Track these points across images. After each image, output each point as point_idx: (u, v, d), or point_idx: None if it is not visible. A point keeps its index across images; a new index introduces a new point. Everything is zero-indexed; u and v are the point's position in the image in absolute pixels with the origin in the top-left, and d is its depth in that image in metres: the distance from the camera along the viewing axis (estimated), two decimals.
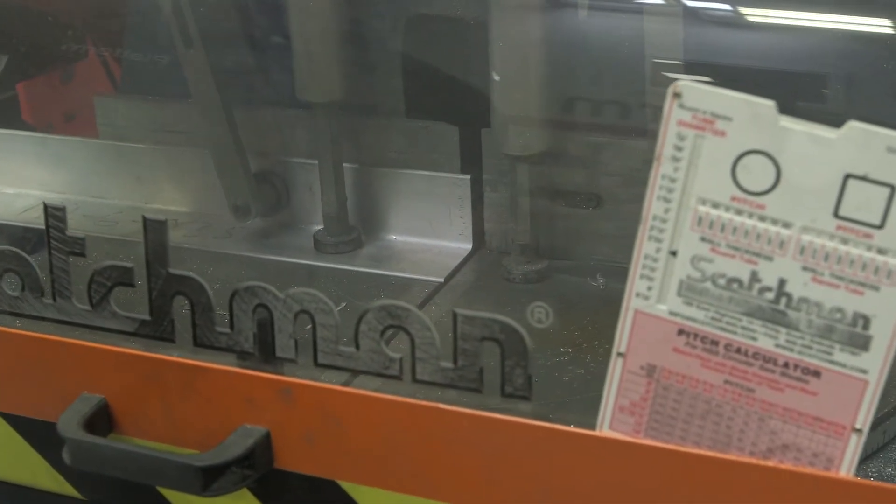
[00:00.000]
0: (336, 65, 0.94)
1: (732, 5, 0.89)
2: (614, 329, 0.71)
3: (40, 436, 0.80)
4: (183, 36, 0.97)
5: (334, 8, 0.92)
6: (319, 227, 1.02)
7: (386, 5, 0.97)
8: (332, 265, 0.99)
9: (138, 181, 1.02)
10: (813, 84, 0.88)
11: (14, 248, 0.79)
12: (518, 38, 0.86)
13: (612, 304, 0.80)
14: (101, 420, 0.75)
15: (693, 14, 0.85)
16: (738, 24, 0.91)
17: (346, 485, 0.72)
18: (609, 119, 0.91)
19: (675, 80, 0.61)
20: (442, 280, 0.95)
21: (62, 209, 0.77)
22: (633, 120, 0.88)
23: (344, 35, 0.93)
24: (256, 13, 1.00)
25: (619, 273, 0.90)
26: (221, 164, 1.01)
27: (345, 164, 0.99)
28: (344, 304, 0.86)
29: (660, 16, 0.84)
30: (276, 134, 1.03)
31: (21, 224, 1.05)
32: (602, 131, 0.91)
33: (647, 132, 0.86)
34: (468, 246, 0.97)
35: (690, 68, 0.83)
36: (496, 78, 0.82)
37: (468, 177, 0.96)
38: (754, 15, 0.90)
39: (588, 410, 0.69)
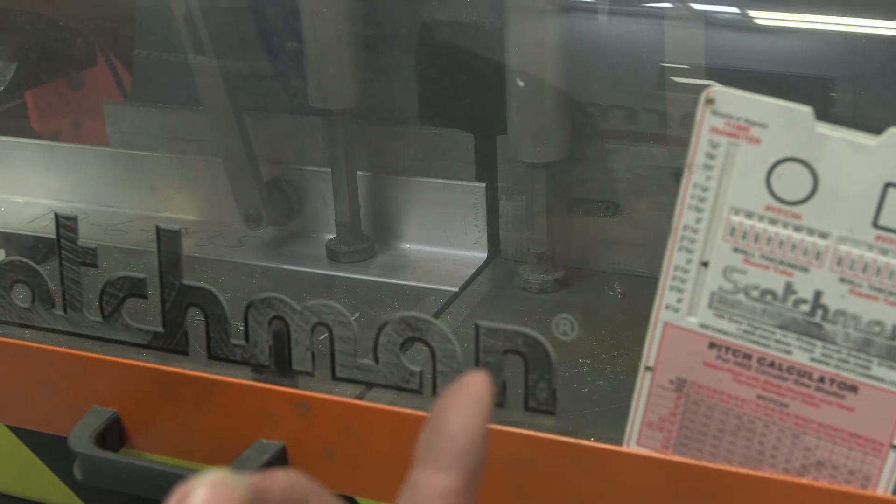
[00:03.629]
0: (349, 71, 0.94)
1: (741, 9, 0.88)
2: (633, 340, 0.69)
3: (50, 450, 0.80)
4: (194, 42, 0.97)
5: (348, 13, 0.92)
6: (332, 235, 1.01)
7: (400, 11, 0.97)
8: (345, 274, 0.98)
9: (148, 190, 1.00)
10: (820, 87, 0.88)
11: (24, 259, 0.79)
12: (535, 44, 0.85)
13: (630, 315, 0.78)
14: (113, 434, 0.74)
15: (710, 19, 0.85)
16: (747, 27, 0.90)
17: (365, 501, 0.71)
18: (628, 125, 0.89)
19: (695, 84, 0.59)
20: (457, 290, 0.94)
21: (73, 218, 0.77)
22: (653, 126, 0.87)
23: (358, 41, 0.93)
24: (269, 19, 0.99)
25: (638, 282, 0.88)
26: (233, 173, 1.00)
27: (358, 172, 0.99)
28: (357, 314, 0.86)
29: (680, 21, 0.83)
30: (288, 142, 1.03)
31: (30, 233, 1.03)
32: (621, 138, 0.90)
33: (668, 139, 0.85)
34: (483, 255, 0.96)
35: (705, 73, 0.83)
36: (520, 83, 0.80)
37: (483, 185, 0.95)
38: (762, 18, 0.89)
39: (609, 423, 0.68)
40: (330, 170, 0.98)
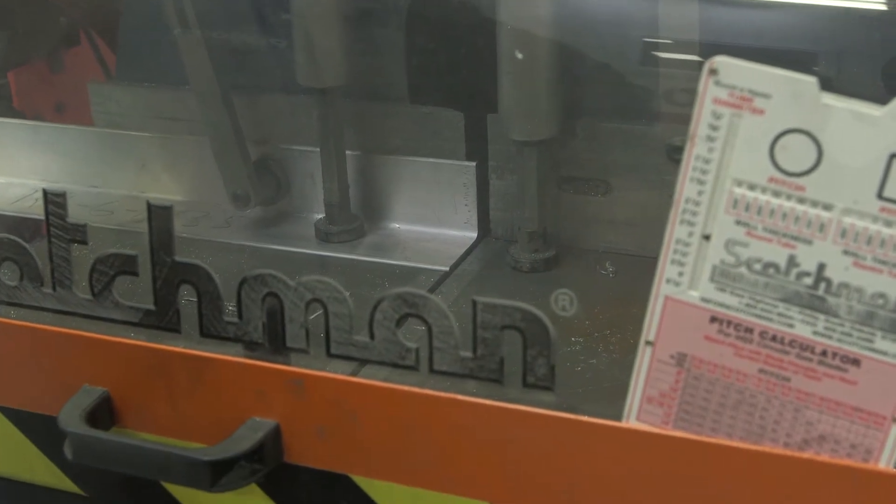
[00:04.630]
0: (339, 49, 0.93)
1: None
2: (625, 318, 0.69)
3: (40, 430, 0.80)
4: (179, 16, 0.96)
5: None
6: (321, 215, 1.01)
7: None
8: (334, 254, 0.98)
9: (135, 170, 1.00)
10: (804, 62, 0.88)
11: (11, 236, 0.78)
12: (527, 21, 0.85)
13: (622, 294, 0.78)
14: (104, 413, 0.74)
15: None
16: (733, 2, 0.90)
17: (359, 479, 0.71)
18: (619, 104, 0.89)
19: (689, 60, 0.59)
20: (447, 269, 0.94)
21: (62, 195, 0.76)
22: (645, 105, 0.87)
23: (347, 18, 0.92)
24: None
25: (629, 261, 0.88)
26: (220, 152, 1.00)
27: (347, 152, 0.99)
28: (348, 294, 0.86)
29: None
30: (276, 121, 1.02)
31: (15, 214, 1.03)
32: (612, 117, 0.90)
33: (660, 116, 0.85)
34: (473, 234, 0.96)
35: (692, 49, 0.84)
36: (518, 56, 0.80)
37: (473, 164, 0.95)
38: None
39: (604, 400, 0.68)
40: (319, 149, 0.98)
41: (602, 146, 0.91)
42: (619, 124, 0.89)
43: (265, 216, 1.02)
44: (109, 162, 1.05)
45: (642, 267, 0.65)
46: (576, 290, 0.86)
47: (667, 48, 0.82)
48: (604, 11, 0.88)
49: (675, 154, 0.64)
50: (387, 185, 0.99)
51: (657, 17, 0.84)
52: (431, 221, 0.98)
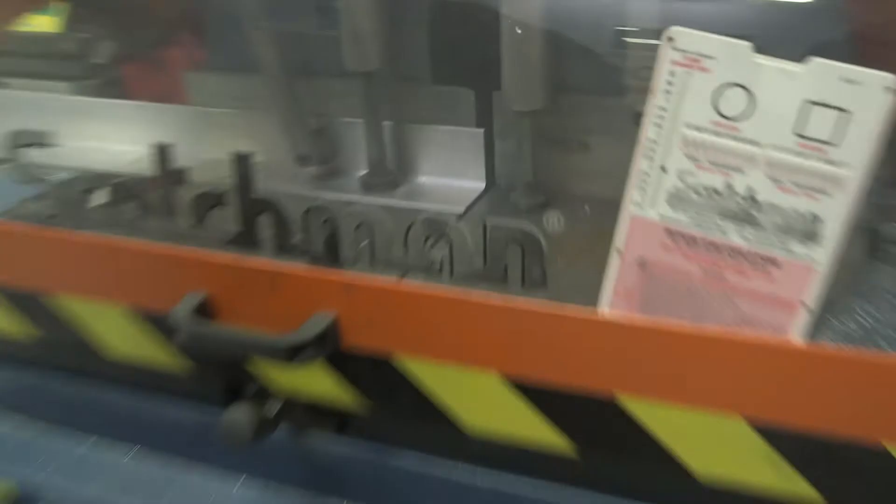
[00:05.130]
0: (376, 39, 0.92)
1: None
2: (598, 244, 0.69)
3: (159, 324, 0.79)
4: (253, 16, 0.96)
5: None
6: (364, 171, 1.00)
7: None
8: (375, 200, 0.97)
9: (220, 139, 0.99)
10: None
11: (132, 179, 0.80)
12: (524, 14, 0.84)
13: (595, 224, 0.78)
14: (204, 311, 0.74)
15: None
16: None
17: (397, 357, 0.71)
18: (595, 80, 0.89)
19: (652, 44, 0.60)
20: (462, 210, 0.94)
21: (167, 148, 0.77)
22: (616, 80, 0.86)
23: (383, 13, 0.91)
24: None
25: (602, 204, 0.88)
26: (286, 123, 1.00)
27: (384, 122, 0.98)
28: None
29: None
30: (329, 97, 1.01)
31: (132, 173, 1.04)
32: (590, 90, 0.90)
33: (627, 90, 0.85)
34: (482, 185, 0.96)
35: (653, 35, 0.83)
36: (518, 31, 0.80)
37: (482, 130, 0.94)
38: None
39: (583, 296, 0.68)
40: (362, 120, 0.97)
41: (582, 114, 0.90)
42: (595, 97, 0.89)
43: (322, 172, 1.02)
44: (201, 133, 1.05)
45: (612, 207, 0.66)
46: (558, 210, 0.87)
47: (632, 35, 0.82)
48: (584, 6, 0.87)
49: (639, 119, 0.64)
50: (414, 148, 0.99)
51: (625, 11, 0.84)
52: (449, 175, 0.97)
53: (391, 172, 0.99)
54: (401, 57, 0.95)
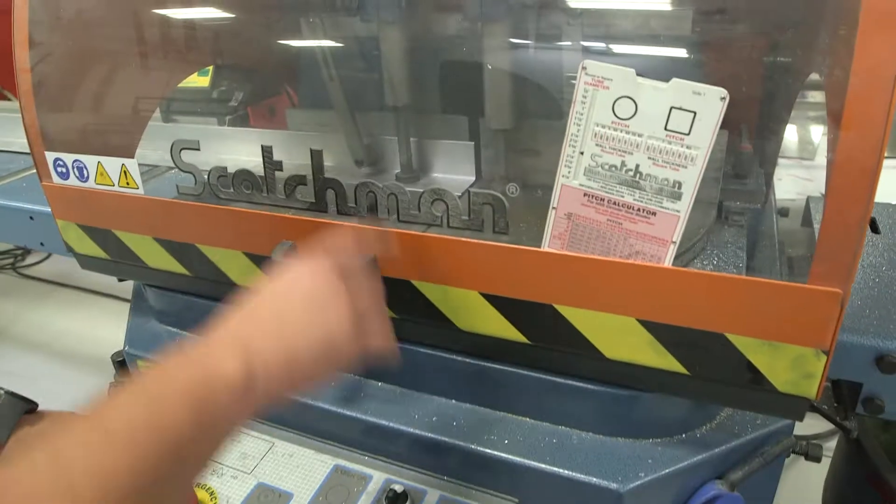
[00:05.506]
0: (405, 84, 0.91)
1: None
2: (541, 210, 0.68)
3: (263, 261, 0.79)
4: (328, 74, 0.95)
5: (404, 50, 0.89)
6: (398, 170, 0.98)
7: (431, 51, 0.93)
8: (404, 188, 0.98)
9: (307, 151, 0.99)
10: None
11: (248, 169, 0.80)
12: (499, 66, 0.82)
13: (543, 200, 0.76)
14: (293, 252, 0.72)
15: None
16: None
17: (415, 282, 0.71)
18: (545, 109, 0.88)
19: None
20: (460, 194, 0.93)
21: (270, 147, 0.78)
22: (559, 109, 0.85)
23: (409, 67, 0.90)
24: (364, 57, 0.97)
25: (546, 187, 0.87)
26: (349, 139, 0.99)
27: (411, 139, 0.96)
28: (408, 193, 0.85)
29: (570, 51, 0.82)
30: (375, 123, 0.99)
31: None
32: (541, 116, 0.88)
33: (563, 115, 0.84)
34: (473, 178, 0.93)
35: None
36: (489, 67, 0.79)
37: (472, 143, 0.92)
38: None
39: (531, 239, 0.68)
40: (396, 137, 0.96)
41: (537, 132, 0.88)
42: (546, 120, 0.87)
43: (370, 172, 1.00)
44: (297, 149, 1.05)
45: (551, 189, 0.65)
46: (524, 202, 0.85)
47: (570, 79, 0.81)
48: (543, 60, 0.85)
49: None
50: (431, 155, 0.97)
51: (568, 61, 0.83)
52: (452, 172, 0.95)
53: (415, 171, 0.98)
54: (421, 96, 0.93)
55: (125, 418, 0.37)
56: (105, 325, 2.18)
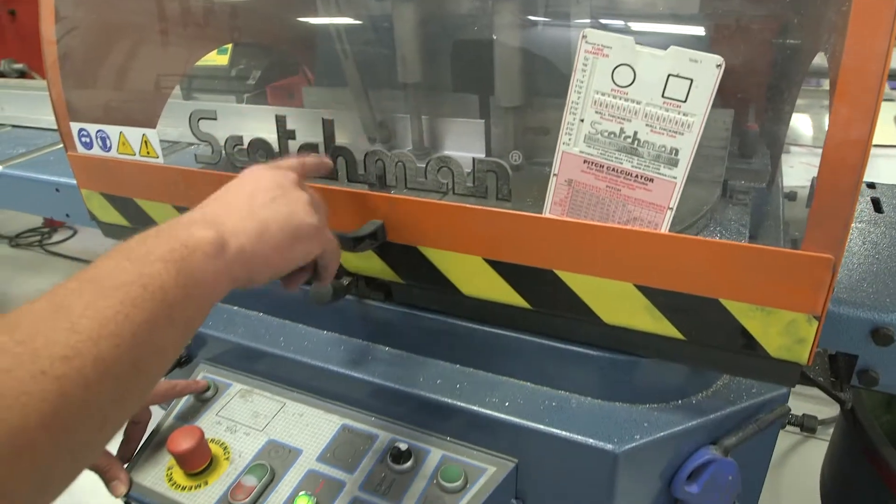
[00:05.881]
0: (417, 61, 0.92)
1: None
2: (544, 181, 0.69)
3: None
4: (343, 51, 0.96)
5: (417, 28, 0.89)
6: (409, 148, 1.00)
7: (444, 32, 0.94)
8: (416, 163, 0.99)
9: (321, 127, 1.00)
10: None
11: (264, 138, 0.82)
12: (509, 45, 0.83)
13: (542, 172, 0.75)
14: None
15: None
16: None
17: (421, 248, 0.72)
18: (554, 87, 0.88)
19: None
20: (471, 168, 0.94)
21: (283, 117, 0.79)
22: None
23: (421, 41, 0.91)
24: (380, 36, 0.97)
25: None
26: (362, 117, 1.00)
27: (422, 116, 0.97)
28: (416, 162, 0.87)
29: (580, 28, 0.82)
30: (388, 100, 1.00)
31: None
32: (550, 93, 0.88)
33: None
34: (483, 155, 0.94)
35: None
36: (500, 45, 0.80)
37: (483, 121, 0.93)
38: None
39: (533, 206, 0.69)
40: (408, 115, 0.97)
41: (545, 110, 0.89)
42: (554, 98, 0.85)
43: (384, 147, 1.02)
44: (311, 124, 1.06)
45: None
46: (531, 176, 0.86)
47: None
48: (552, 37, 0.85)
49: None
50: (442, 131, 0.98)
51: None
52: (463, 150, 0.96)
53: (426, 148, 0.99)
54: (433, 73, 0.94)
55: (114, 274, 0.39)
56: None
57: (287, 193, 0.53)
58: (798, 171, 1.30)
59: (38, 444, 0.33)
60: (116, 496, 0.75)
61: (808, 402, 1.53)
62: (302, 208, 0.53)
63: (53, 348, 0.34)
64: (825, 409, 1.54)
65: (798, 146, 1.41)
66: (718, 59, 0.52)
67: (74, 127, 0.92)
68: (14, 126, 1.59)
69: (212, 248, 0.45)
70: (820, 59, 0.79)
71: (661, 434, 0.68)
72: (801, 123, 1.37)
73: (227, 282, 0.46)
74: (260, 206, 0.51)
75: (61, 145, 1.43)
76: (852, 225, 0.90)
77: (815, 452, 1.51)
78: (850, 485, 0.92)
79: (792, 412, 0.77)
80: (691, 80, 0.54)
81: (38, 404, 0.33)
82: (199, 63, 1.23)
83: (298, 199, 0.54)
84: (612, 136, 0.58)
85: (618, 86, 0.57)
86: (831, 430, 1.17)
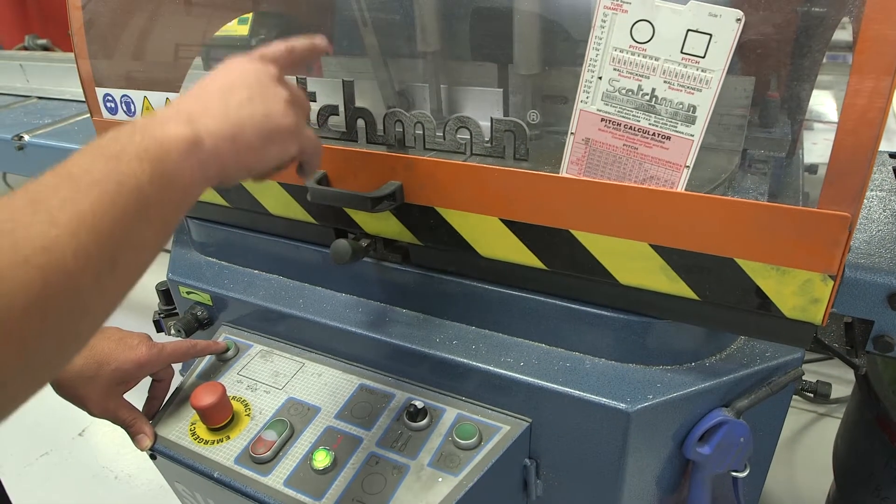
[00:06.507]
0: (436, 30, 0.91)
1: None
2: (560, 146, 0.68)
3: (298, 192, 0.82)
4: (362, 21, 0.96)
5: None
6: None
7: (463, 0, 0.93)
8: (430, 116, 0.98)
9: (340, 94, 0.99)
10: None
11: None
12: (528, 12, 0.82)
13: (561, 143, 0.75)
14: (325, 181, 0.76)
15: None
16: None
17: (439, 209, 0.73)
18: (572, 55, 0.87)
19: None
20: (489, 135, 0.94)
21: (304, 79, 0.80)
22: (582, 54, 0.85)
23: (440, 10, 0.90)
24: (400, 4, 0.96)
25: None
26: (382, 87, 0.99)
27: (441, 85, 0.97)
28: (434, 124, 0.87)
29: None
30: (407, 69, 0.99)
31: None
32: (569, 62, 0.87)
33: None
34: None
35: None
36: (519, 11, 0.79)
37: (501, 90, 0.92)
38: None
39: (550, 165, 0.69)
40: (427, 84, 0.97)
41: (564, 78, 0.87)
42: (572, 67, 0.85)
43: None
44: (330, 94, 1.06)
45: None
46: (548, 144, 0.85)
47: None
48: (567, 3, 0.84)
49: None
50: (461, 100, 0.97)
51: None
52: (480, 118, 0.94)
53: (445, 117, 0.98)
54: (451, 42, 0.94)
55: (90, 171, 0.39)
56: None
57: (265, 91, 0.51)
58: (821, 147, 1.28)
59: (24, 328, 0.34)
60: (141, 449, 0.78)
61: (823, 378, 1.53)
62: (279, 108, 0.51)
63: (34, 240, 0.35)
64: (839, 388, 1.54)
65: (822, 122, 1.39)
66: (738, 13, 0.52)
67: (100, 92, 0.93)
68: (39, 98, 1.61)
69: (186, 145, 0.44)
70: (845, 35, 0.78)
71: (674, 395, 0.69)
72: (825, 100, 1.35)
73: (201, 180, 0.46)
74: (236, 105, 0.49)
75: (85, 116, 1.46)
76: (873, 193, 0.89)
77: (828, 429, 1.51)
78: (862, 454, 0.92)
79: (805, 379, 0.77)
80: (710, 36, 0.53)
81: (21, 290, 0.33)
82: (218, 33, 1.23)
83: (276, 97, 0.51)
84: (630, 93, 0.58)
85: (636, 42, 0.56)
86: (844, 410, 1.17)
